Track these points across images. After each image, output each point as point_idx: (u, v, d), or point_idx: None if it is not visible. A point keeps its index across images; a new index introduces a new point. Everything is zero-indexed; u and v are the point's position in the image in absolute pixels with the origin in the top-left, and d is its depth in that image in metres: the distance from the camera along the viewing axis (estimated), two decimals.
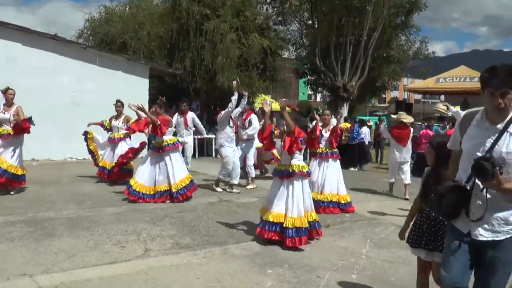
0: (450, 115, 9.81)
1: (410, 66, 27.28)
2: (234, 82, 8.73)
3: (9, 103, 7.77)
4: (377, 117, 20.26)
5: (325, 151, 7.51)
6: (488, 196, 2.51)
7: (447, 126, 11.94)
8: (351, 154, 13.77)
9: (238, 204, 7.77)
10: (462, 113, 2.81)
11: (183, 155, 9.86)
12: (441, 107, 10.25)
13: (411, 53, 25.24)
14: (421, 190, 3.53)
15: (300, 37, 23.03)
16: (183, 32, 15.99)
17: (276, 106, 13.87)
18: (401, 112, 10.03)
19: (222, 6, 16.03)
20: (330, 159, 7.52)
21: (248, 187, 9.36)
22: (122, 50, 16.73)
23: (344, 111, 19.32)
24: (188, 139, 10.73)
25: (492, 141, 2.53)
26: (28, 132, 7.71)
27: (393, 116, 10.11)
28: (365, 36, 18.66)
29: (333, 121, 8.29)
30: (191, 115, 10.67)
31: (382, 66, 23.31)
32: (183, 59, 15.86)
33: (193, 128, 10.84)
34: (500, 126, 2.54)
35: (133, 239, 5.45)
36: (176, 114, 10.68)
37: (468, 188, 2.55)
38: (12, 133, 7.59)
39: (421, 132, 11.88)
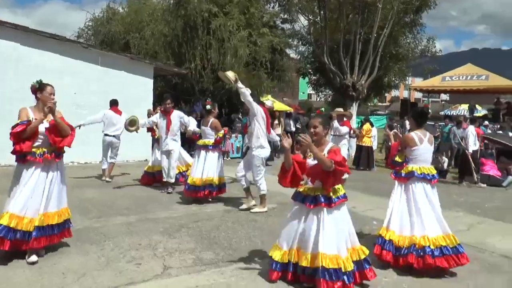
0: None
1: (415, 64, 26.71)
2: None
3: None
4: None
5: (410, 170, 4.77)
6: None
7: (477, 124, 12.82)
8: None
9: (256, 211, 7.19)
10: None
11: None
12: (230, 76, 7.68)
13: (418, 51, 24.65)
14: None
15: (308, 34, 22.40)
16: (189, 30, 15.38)
17: (279, 106, 13.41)
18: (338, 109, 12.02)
19: (228, 3, 15.44)
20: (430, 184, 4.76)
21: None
22: (125, 50, 16.16)
23: (353, 110, 18.73)
24: (173, 146, 8.39)
25: None
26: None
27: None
28: (374, 33, 18.12)
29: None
30: (176, 115, 8.38)
31: (389, 65, 22.76)
32: (190, 59, 15.24)
33: (178, 134, 8.53)
34: None
35: (148, 254, 4.87)
36: (158, 114, 8.57)
37: None
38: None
39: None
